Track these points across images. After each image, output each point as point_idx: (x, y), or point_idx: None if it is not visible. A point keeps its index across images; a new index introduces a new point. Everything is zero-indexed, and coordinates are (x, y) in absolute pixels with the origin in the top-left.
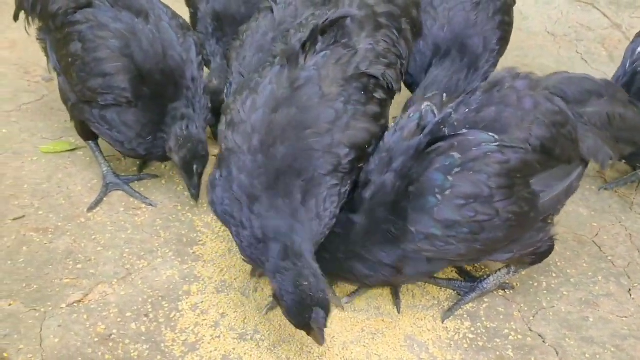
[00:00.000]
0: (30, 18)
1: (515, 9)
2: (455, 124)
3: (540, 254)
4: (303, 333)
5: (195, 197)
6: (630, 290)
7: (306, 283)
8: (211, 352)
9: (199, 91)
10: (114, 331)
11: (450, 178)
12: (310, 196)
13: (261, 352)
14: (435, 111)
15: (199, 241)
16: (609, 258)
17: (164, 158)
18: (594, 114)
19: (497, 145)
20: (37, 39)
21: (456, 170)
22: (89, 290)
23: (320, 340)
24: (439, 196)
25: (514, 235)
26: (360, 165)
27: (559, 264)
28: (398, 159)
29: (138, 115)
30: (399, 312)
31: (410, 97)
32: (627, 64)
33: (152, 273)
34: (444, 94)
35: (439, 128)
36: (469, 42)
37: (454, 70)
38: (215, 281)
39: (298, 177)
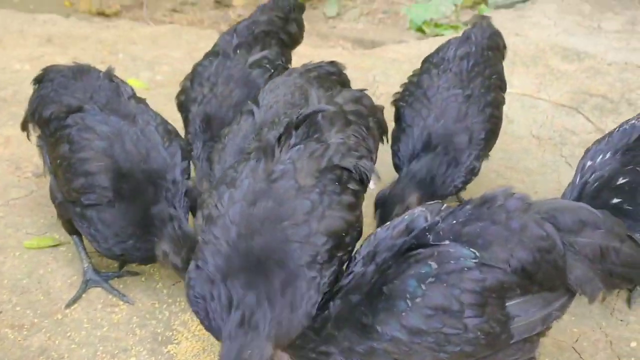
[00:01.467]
0: (31, 126)
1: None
2: (441, 233)
3: None
4: None
5: None
6: None
7: (247, 357)
8: None
9: (179, 193)
10: None
11: (423, 287)
12: (288, 287)
13: None
14: (428, 217)
15: (174, 340)
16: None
17: (144, 261)
18: (586, 245)
19: (476, 263)
20: (37, 146)
21: (430, 280)
22: None
23: None
24: (409, 302)
25: (483, 353)
26: (340, 254)
27: None
28: (382, 255)
29: (117, 215)
30: None
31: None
32: (577, 179)
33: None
34: (443, 204)
35: (424, 234)
36: (457, 138)
37: (434, 164)
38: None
39: (277, 268)
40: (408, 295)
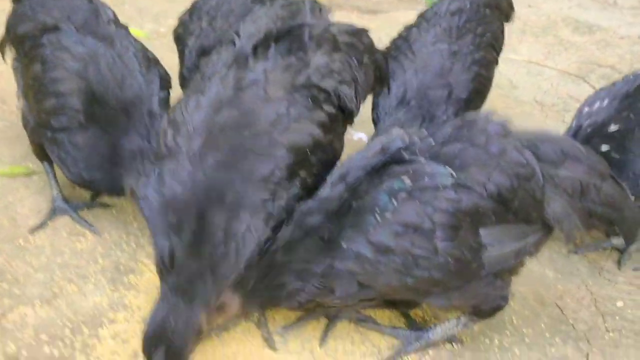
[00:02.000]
0: (7, 47)
1: (505, 77)
2: (418, 152)
3: (489, 310)
4: None
5: None
6: (588, 355)
7: (172, 324)
8: None
9: (156, 126)
10: (24, 353)
11: (394, 202)
12: (232, 226)
13: None
14: (406, 139)
15: (137, 271)
16: (570, 321)
17: (113, 191)
18: (566, 179)
19: (452, 182)
20: (13, 69)
21: (403, 195)
22: (9, 310)
23: None
24: (378, 217)
25: (452, 282)
26: (303, 175)
27: (515, 322)
28: (353, 174)
29: (87, 139)
30: (320, 347)
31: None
32: (573, 124)
33: (79, 298)
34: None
35: (400, 153)
36: (432, 92)
37: (406, 119)
38: (144, 311)
39: (226, 198)
40: (377, 210)
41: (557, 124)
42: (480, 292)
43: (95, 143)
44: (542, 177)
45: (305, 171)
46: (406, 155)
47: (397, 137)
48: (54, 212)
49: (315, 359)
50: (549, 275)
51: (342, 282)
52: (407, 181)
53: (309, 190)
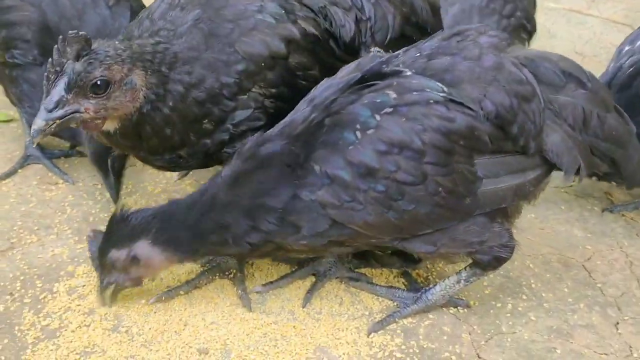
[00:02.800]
0: None
1: (543, 27)
2: (400, 66)
3: (490, 261)
4: (189, 330)
5: (114, 198)
6: (617, 323)
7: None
8: (71, 342)
9: None
10: None
11: (377, 117)
12: None
13: (132, 347)
14: (384, 54)
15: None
16: (599, 285)
17: (75, 139)
18: (567, 105)
19: (444, 97)
20: None
21: (387, 110)
22: None
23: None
24: (358, 133)
25: (440, 221)
26: (254, 90)
27: (533, 285)
28: (323, 95)
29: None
30: (303, 306)
31: None
32: (611, 65)
33: (37, 249)
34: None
35: (380, 67)
36: None
37: None
38: None
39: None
40: (358, 126)
41: (598, 74)
42: (474, 238)
43: None
44: (542, 100)
45: (258, 87)
46: (387, 68)
47: (374, 55)
48: (25, 160)
49: (296, 321)
50: (576, 235)
51: (309, 217)
52: (392, 94)
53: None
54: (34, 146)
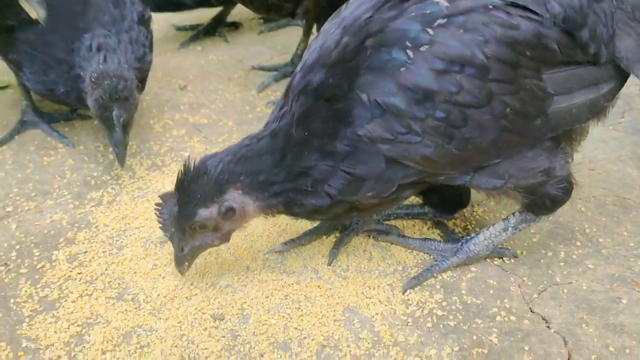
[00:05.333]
0: None
1: None
2: None
3: (546, 201)
4: (201, 296)
5: (121, 159)
6: None
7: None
8: (71, 313)
9: (128, 19)
10: None
11: (430, 31)
12: None
13: (139, 316)
14: None
15: (111, 185)
16: None
17: (77, 102)
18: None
19: (503, 1)
20: None
21: (440, 21)
22: None
23: None
24: (410, 52)
25: (507, 149)
26: None
27: (587, 230)
28: (352, 15)
29: (40, 36)
30: (329, 264)
31: None
32: None
33: (34, 216)
34: None
35: None
36: None
37: None
38: (112, 229)
39: None
40: (408, 44)
41: None
42: (542, 166)
43: (49, 40)
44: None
45: None
46: None
47: None
48: (22, 125)
49: (320, 280)
50: (631, 175)
51: (362, 157)
52: (443, 3)
53: None
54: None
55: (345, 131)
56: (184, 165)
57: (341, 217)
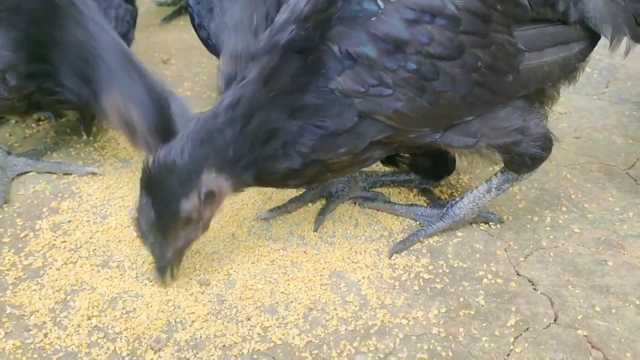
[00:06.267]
0: None
1: None
2: None
3: (525, 159)
4: (187, 262)
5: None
6: None
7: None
8: (56, 280)
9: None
10: None
11: None
12: None
13: (124, 282)
14: None
15: (94, 155)
16: None
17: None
18: None
19: None
20: None
21: None
22: None
23: None
24: (380, 2)
25: (479, 105)
26: None
27: (573, 196)
28: None
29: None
30: (315, 230)
31: None
32: None
33: (16, 187)
34: None
35: None
36: None
37: None
38: (96, 198)
39: None
40: None
41: None
42: (515, 124)
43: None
44: None
45: None
46: None
47: None
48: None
49: (307, 246)
50: (616, 142)
51: (335, 110)
52: None
53: None
54: None
55: (316, 83)
56: (145, 167)
57: (314, 180)
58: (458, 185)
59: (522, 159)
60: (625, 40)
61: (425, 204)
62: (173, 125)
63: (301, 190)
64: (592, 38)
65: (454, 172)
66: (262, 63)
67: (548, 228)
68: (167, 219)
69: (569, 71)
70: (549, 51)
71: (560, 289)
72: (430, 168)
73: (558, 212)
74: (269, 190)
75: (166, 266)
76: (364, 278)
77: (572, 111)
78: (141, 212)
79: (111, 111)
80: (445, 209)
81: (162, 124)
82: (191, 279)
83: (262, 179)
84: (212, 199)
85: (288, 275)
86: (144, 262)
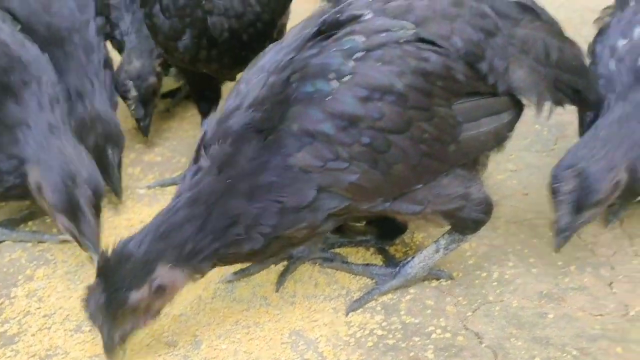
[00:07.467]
0: None
1: None
2: (356, 12)
3: (469, 222)
4: (156, 324)
5: (119, 193)
6: (611, 283)
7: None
8: (30, 346)
9: (95, 61)
10: None
11: (350, 63)
12: None
13: (96, 347)
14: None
15: None
16: (589, 246)
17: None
18: (528, 38)
19: (414, 36)
20: None
21: (359, 54)
22: None
23: None
24: (334, 83)
25: (427, 174)
26: None
27: (520, 252)
28: (274, 59)
29: None
30: (277, 291)
31: None
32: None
33: None
34: None
35: (335, 16)
36: None
37: None
38: (69, 265)
39: None
40: (332, 75)
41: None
42: (458, 192)
43: None
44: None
45: None
46: (343, 16)
47: (322, 7)
48: None
49: (269, 306)
50: None
51: (292, 189)
52: (360, 38)
53: None
54: None
55: (275, 162)
56: (103, 254)
57: (276, 254)
58: (412, 244)
59: (466, 223)
60: (548, 105)
61: (381, 262)
62: (80, 205)
63: None
64: (519, 107)
65: (408, 230)
66: (214, 151)
67: (495, 283)
68: (115, 306)
69: (501, 140)
70: (484, 121)
71: (504, 342)
72: (384, 228)
73: (505, 267)
74: None
75: (114, 346)
76: (321, 336)
77: (522, 168)
78: (92, 294)
79: (33, 189)
80: (397, 268)
81: (69, 203)
82: (159, 340)
83: (223, 262)
84: (163, 291)
85: (250, 334)
86: None
